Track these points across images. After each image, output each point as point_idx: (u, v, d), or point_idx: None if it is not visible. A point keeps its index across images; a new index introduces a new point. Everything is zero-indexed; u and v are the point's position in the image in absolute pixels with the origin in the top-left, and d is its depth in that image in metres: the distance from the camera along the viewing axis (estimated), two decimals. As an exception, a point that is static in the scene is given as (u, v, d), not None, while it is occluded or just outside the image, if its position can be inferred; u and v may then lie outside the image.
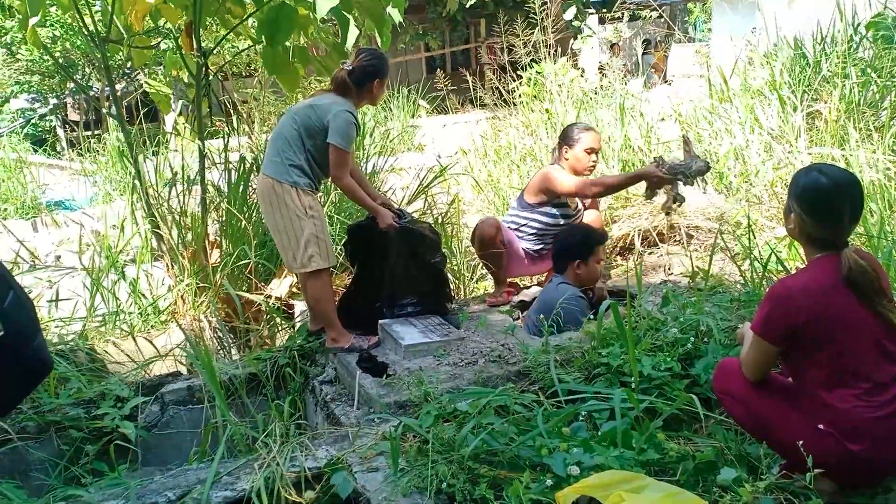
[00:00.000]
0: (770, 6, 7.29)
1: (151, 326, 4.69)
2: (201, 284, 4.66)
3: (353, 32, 4.09)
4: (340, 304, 3.94)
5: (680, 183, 3.92)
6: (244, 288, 4.66)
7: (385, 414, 3.02)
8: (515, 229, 4.43)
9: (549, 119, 6.83)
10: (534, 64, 7.99)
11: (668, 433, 2.68)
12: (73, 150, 13.55)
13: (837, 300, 2.18)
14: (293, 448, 2.71)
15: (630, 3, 12.74)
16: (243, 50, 8.62)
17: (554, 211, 4.35)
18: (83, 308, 4.69)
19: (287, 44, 4.45)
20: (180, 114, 8.33)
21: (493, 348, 3.55)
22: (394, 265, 3.87)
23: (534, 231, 4.40)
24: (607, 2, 13.31)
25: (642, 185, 4.25)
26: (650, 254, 5.16)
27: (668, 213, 4.58)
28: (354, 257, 4.07)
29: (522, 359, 3.37)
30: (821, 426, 2.15)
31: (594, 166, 4.35)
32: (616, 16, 14.04)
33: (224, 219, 4.98)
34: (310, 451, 2.72)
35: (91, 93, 15.06)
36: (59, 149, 15.51)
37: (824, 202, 2.22)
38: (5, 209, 9.22)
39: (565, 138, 4.35)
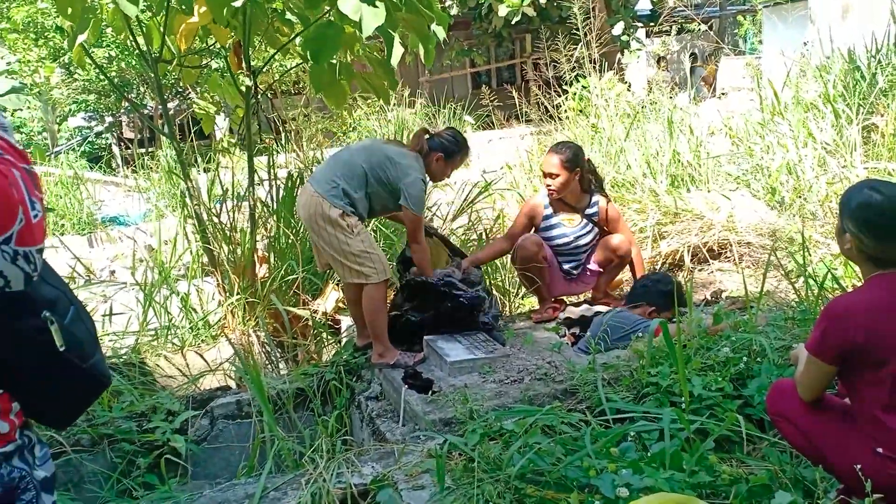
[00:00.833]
0: (823, 18, 7.16)
1: (202, 341, 4.76)
2: (250, 300, 4.72)
3: (398, 49, 4.12)
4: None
5: None
6: (292, 303, 4.71)
7: (430, 431, 3.01)
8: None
9: (595, 134, 6.79)
10: (579, 79, 7.96)
11: (720, 455, 2.62)
12: (127, 167, 13.94)
13: None
14: (339, 464, 2.72)
15: (678, 16, 12.65)
16: (291, 69, 8.77)
17: (545, 234, 4.39)
18: (136, 322, 4.80)
19: (333, 61, 4.51)
20: (230, 131, 8.50)
21: (539, 366, 3.52)
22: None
23: (558, 253, 4.42)
24: (655, 16, 13.22)
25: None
26: (700, 270, 5.08)
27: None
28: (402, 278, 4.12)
29: (569, 377, 3.33)
30: (880, 450, 2.07)
31: (551, 191, 4.33)
32: (664, 29, 13.93)
33: (272, 234, 5.05)
34: (356, 468, 2.72)
35: (145, 111, 15.49)
36: (114, 166, 15.96)
37: (882, 220, 2.14)
38: (62, 225, 9.50)
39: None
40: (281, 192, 5.18)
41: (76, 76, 15.53)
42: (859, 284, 2.32)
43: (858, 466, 2.06)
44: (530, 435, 2.61)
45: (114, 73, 14.37)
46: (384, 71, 4.55)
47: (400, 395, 3.40)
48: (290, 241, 4.88)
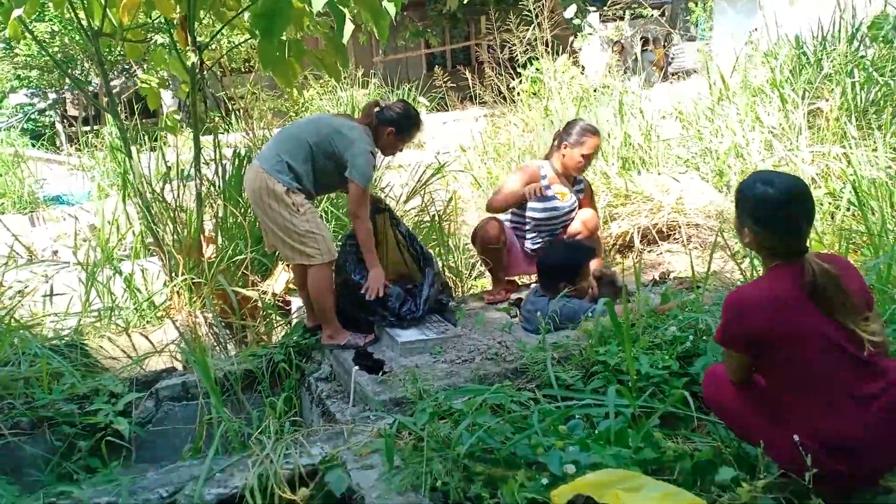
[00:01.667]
0: (771, 5, 7.27)
1: (147, 322, 4.65)
2: (197, 280, 4.62)
3: (348, 27, 4.05)
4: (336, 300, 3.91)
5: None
6: (240, 284, 4.63)
7: (380, 411, 3.00)
8: (517, 227, 4.40)
9: (547, 116, 6.80)
10: (532, 62, 7.96)
11: (667, 432, 2.65)
12: (71, 145, 13.53)
13: (798, 310, 2.10)
14: (287, 445, 2.68)
15: (629, 1, 12.72)
16: (239, 44, 8.59)
17: (538, 205, 4.31)
18: (78, 304, 4.66)
19: (283, 38, 4.41)
20: (178, 109, 8.30)
21: (490, 346, 3.52)
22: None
23: (530, 228, 4.37)
24: (605, 0, 13.27)
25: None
26: (649, 252, 5.14)
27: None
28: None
29: (519, 356, 3.34)
30: (796, 438, 2.08)
31: (584, 169, 4.33)
32: (619, 14, 14.01)
33: (219, 214, 4.95)
34: (304, 449, 2.69)
35: (90, 88, 15.03)
36: (58, 144, 15.50)
37: (779, 214, 2.14)
38: (2, 204, 9.20)
39: (568, 134, 4.31)
40: (229, 170, 5.07)
41: (17, 51, 14.99)
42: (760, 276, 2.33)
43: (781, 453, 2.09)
44: (479, 414, 2.61)
45: (56, 49, 13.90)
46: (335, 49, 4.48)
47: (350, 375, 3.37)
48: (237, 220, 4.79)
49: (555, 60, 7.91)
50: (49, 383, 3.54)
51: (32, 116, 17.55)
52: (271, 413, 3.17)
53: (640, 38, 16.69)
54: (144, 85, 5.02)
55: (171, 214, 4.85)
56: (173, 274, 4.72)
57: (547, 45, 7.62)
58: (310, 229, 3.59)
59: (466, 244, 5.26)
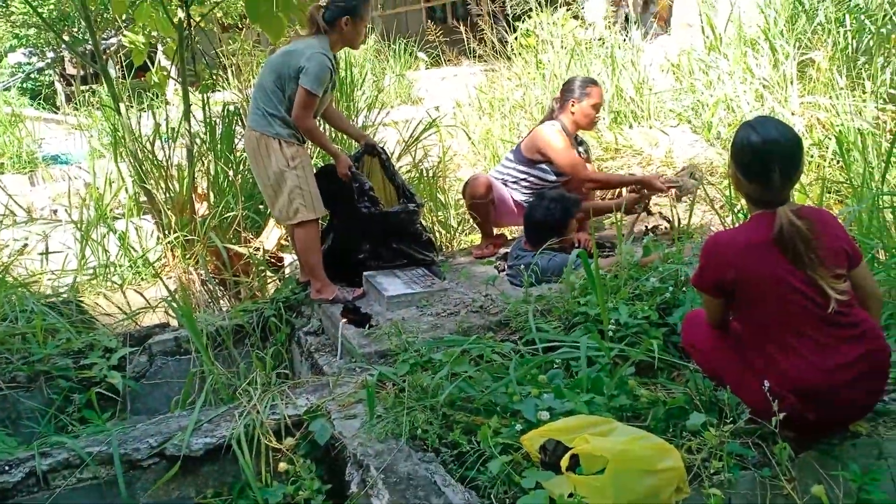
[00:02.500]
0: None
1: (142, 279, 4.73)
2: (189, 237, 4.68)
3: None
4: (325, 256, 3.96)
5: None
6: (233, 240, 4.68)
7: (366, 364, 3.07)
8: (513, 182, 4.41)
9: (538, 70, 6.75)
10: (531, 15, 7.87)
11: (643, 380, 2.71)
12: (70, 105, 13.47)
13: (769, 259, 2.13)
14: (274, 397, 2.75)
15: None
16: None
17: (548, 167, 4.33)
18: (75, 261, 4.73)
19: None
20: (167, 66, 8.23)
21: (476, 299, 3.58)
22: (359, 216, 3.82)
23: (528, 185, 4.39)
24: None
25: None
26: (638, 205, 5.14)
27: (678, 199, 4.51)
28: (327, 206, 3.97)
29: (503, 309, 3.40)
30: (766, 383, 2.13)
31: (597, 122, 4.31)
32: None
33: (210, 171, 4.98)
34: (290, 400, 2.76)
35: (87, 47, 14.90)
36: (57, 103, 15.42)
37: (753, 160, 2.15)
38: (1, 164, 9.21)
39: (571, 91, 4.29)
40: (219, 128, 5.08)
41: (13, 9, 14.82)
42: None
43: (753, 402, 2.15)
44: (459, 364, 2.68)
45: (52, 6, 13.74)
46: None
47: (338, 329, 3.43)
48: (229, 178, 4.82)
49: (553, 13, 7.82)
50: (45, 339, 3.62)
51: (31, 76, 17.43)
52: (259, 366, 3.25)
53: (642, -10, 16.39)
54: (130, 44, 5.01)
55: (163, 172, 4.89)
56: (166, 231, 4.77)
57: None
58: (298, 184, 3.62)
59: (458, 199, 5.29)
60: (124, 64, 8.70)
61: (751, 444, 2.29)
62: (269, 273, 4.72)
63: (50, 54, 17.35)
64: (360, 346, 3.20)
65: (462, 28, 8.81)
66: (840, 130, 4.32)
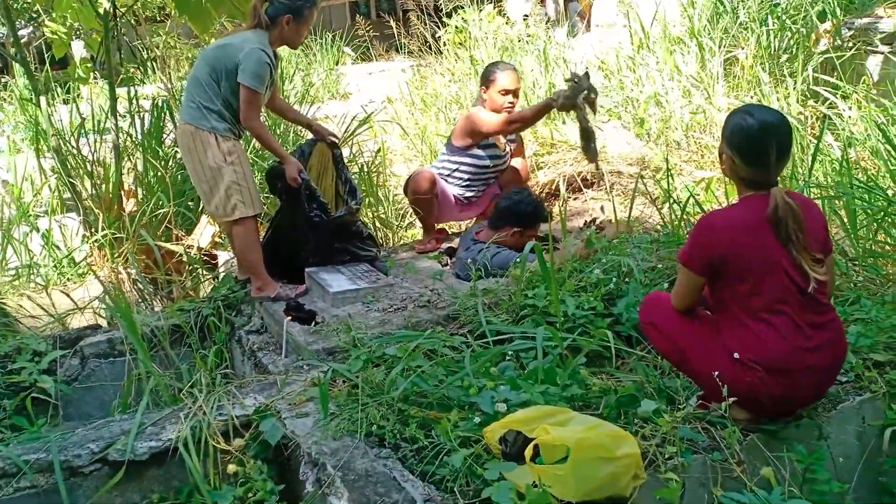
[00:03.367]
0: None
1: (67, 279, 4.53)
2: (118, 235, 4.50)
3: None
4: (265, 253, 3.87)
5: (583, 111, 3.95)
6: (164, 238, 4.53)
7: (314, 360, 3.01)
8: (447, 175, 4.41)
9: (472, 66, 6.79)
10: (457, 11, 7.90)
11: (592, 370, 2.76)
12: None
13: (759, 238, 2.23)
14: (220, 397, 2.68)
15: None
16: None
17: (482, 153, 4.34)
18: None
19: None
20: (92, 59, 7.93)
21: (422, 293, 3.57)
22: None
23: (464, 175, 4.39)
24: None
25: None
26: (575, 199, 5.24)
27: (594, 162, 4.57)
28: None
29: (451, 303, 3.40)
30: (736, 355, 2.23)
31: (511, 107, 4.27)
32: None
33: (139, 167, 4.81)
34: (237, 400, 2.69)
35: (0, 35, 14.16)
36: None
37: (751, 142, 2.26)
38: None
39: (484, 79, 4.32)
40: (147, 122, 4.91)
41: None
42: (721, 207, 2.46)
43: (717, 373, 2.23)
44: (413, 359, 2.66)
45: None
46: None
47: (282, 327, 3.37)
48: (158, 173, 4.66)
49: (480, 10, 7.87)
50: (-34, 344, 3.43)
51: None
52: (202, 366, 3.15)
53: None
54: (52, 34, 4.78)
55: (88, 168, 4.69)
56: (93, 229, 4.58)
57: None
58: (234, 180, 3.53)
59: (396, 195, 5.26)
60: (37, 56, 8.29)
61: (700, 429, 2.36)
62: (203, 272, 4.59)
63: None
64: (308, 344, 3.15)
65: (392, 22, 8.76)
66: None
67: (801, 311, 2.24)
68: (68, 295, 4.25)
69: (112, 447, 2.44)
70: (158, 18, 11.36)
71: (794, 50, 5.26)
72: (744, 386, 2.23)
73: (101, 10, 4.51)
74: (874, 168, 4.07)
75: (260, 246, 3.74)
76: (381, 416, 2.41)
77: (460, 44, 7.61)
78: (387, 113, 7.31)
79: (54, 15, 5.11)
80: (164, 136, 4.87)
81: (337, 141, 4.01)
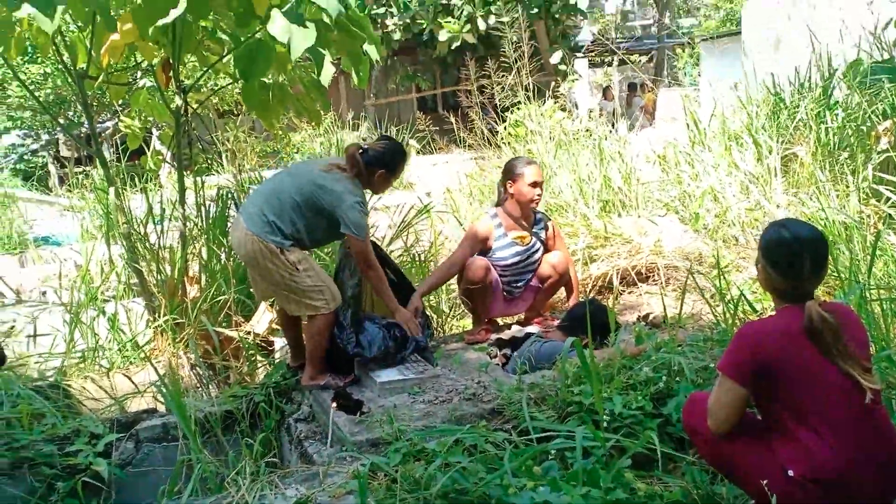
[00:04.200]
0: (754, 52, 7.45)
1: (130, 363, 4.67)
2: (180, 321, 4.66)
3: (328, 70, 4.14)
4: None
5: None
6: (223, 324, 4.66)
7: (356, 452, 3.01)
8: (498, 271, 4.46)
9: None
10: (519, 106, 8.11)
11: (639, 473, 2.68)
12: (62, 186, 13.58)
13: (802, 347, 2.20)
14: (263, 486, 2.70)
15: (617, 46, 13.02)
16: (221, 87, 8.72)
17: (503, 254, 4.39)
18: (63, 344, 4.68)
19: (266, 80, 4.51)
20: (163, 151, 8.42)
21: (468, 386, 3.56)
22: None
23: (500, 272, 4.44)
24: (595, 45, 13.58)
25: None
26: (629, 293, 5.20)
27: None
28: None
29: (497, 397, 3.37)
30: (790, 472, 2.15)
31: (538, 199, 4.40)
32: (606, 60, 14.29)
33: (203, 254, 5.00)
34: (279, 490, 2.70)
35: (83, 130, 15.14)
36: (49, 185, 15.53)
37: (785, 256, 2.27)
38: (-8, 245, 9.21)
39: (508, 173, 4.40)
40: (213, 211, 5.13)
41: (9, 92, 15.11)
42: (771, 306, 2.43)
43: (766, 482, 2.14)
44: (453, 454, 2.64)
45: (49, 90, 14.02)
46: (317, 92, 4.58)
47: (328, 416, 3.39)
48: (221, 261, 4.84)
49: (541, 105, 8.07)
50: (30, 424, 3.55)
51: (25, 157, 17.59)
52: (248, 454, 3.19)
53: (628, 85, 16.96)
54: (126, 128, 5.11)
55: (155, 255, 4.90)
56: (156, 315, 4.75)
57: (531, 91, 7.78)
58: (314, 284, 3.59)
59: (449, 284, 5.30)
60: (119, 147, 8.85)
61: (748, 540, 2.26)
62: (259, 357, 4.68)
63: (45, 136, 17.57)
64: (352, 434, 3.16)
65: (452, 118, 9.05)
66: (825, 224, 4.42)
67: (855, 423, 2.17)
68: (130, 378, 4.38)
69: (154, 534, 2.47)
70: (235, 113, 12.00)
71: (854, 148, 5.21)
72: (803, 500, 2.13)
73: (173, 106, 4.80)
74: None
75: (328, 338, 3.73)
76: (418, 513, 2.39)
77: (518, 137, 7.78)
78: (445, 203, 7.46)
79: (129, 111, 5.48)
80: (228, 224, 5.07)
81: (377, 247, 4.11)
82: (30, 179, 14.97)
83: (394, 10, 15.45)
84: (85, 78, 4.70)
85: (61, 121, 12.50)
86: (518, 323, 4.63)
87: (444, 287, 5.34)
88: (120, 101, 5.61)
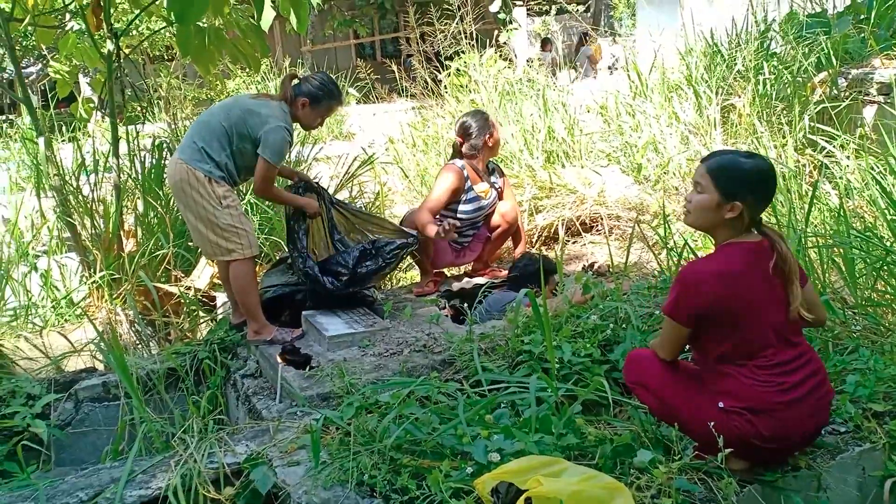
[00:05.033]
0: (690, 3, 7.47)
1: (65, 320, 4.51)
2: (116, 276, 4.50)
3: (269, 14, 3.99)
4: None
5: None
6: (162, 279, 4.53)
7: (307, 407, 2.99)
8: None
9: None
10: (461, 55, 8.01)
11: (588, 418, 2.73)
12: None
13: (745, 285, 2.25)
14: (211, 444, 2.65)
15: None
16: (157, 31, 8.34)
17: (467, 207, 4.37)
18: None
19: (202, 24, 4.32)
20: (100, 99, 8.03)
21: (419, 338, 3.55)
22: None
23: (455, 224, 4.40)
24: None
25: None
26: (573, 243, 5.25)
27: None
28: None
29: (447, 348, 3.38)
30: (721, 404, 2.22)
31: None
32: (544, 9, 14.17)
33: (139, 207, 4.83)
34: (229, 447, 2.66)
35: (5, 75, 14.37)
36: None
37: (771, 185, 2.32)
38: None
39: (482, 129, 4.30)
40: (149, 162, 4.94)
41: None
42: (711, 252, 2.46)
43: (712, 424, 2.21)
44: (405, 406, 2.64)
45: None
46: (255, 37, 4.41)
47: (277, 371, 3.35)
48: (158, 214, 4.67)
49: (482, 55, 7.98)
50: (-40, 386, 3.41)
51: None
52: (195, 412, 3.13)
53: (582, 33, 16.87)
54: (56, 74, 4.84)
55: (89, 208, 4.70)
56: (92, 270, 4.58)
57: (471, 39, 7.68)
58: (232, 223, 3.54)
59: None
60: (48, 94, 8.42)
61: (697, 480, 2.33)
62: (201, 313, 4.58)
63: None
64: (302, 389, 3.13)
65: (394, 66, 8.88)
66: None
67: (783, 351, 2.25)
68: (65, 336, 4.23)
69: (101, 496, 2.41)
70: (166, 58, 11.54)
71: (791, 99, 5.31)
72: (733, 432, 2.21)
73: (104, 51, 4.56)
74: (872, 217, 4.08)
75: (257, 287, 3.73)
76: (372, 466, 2.38)
77: (461, 87, 7.70)
78: (388, 154, 7.36)
79: (59, 55, 5.19)
80: (165, 175, 4.89)
81: (319, 186, 4.09)
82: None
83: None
84: (10, 21, 4.42)
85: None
86: (466, 274, 4.63)
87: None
88: (47, 46, 5.31)
